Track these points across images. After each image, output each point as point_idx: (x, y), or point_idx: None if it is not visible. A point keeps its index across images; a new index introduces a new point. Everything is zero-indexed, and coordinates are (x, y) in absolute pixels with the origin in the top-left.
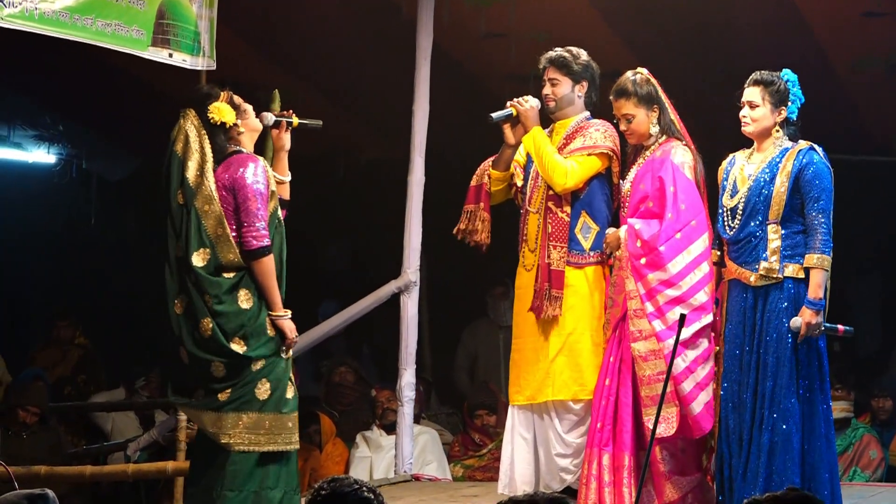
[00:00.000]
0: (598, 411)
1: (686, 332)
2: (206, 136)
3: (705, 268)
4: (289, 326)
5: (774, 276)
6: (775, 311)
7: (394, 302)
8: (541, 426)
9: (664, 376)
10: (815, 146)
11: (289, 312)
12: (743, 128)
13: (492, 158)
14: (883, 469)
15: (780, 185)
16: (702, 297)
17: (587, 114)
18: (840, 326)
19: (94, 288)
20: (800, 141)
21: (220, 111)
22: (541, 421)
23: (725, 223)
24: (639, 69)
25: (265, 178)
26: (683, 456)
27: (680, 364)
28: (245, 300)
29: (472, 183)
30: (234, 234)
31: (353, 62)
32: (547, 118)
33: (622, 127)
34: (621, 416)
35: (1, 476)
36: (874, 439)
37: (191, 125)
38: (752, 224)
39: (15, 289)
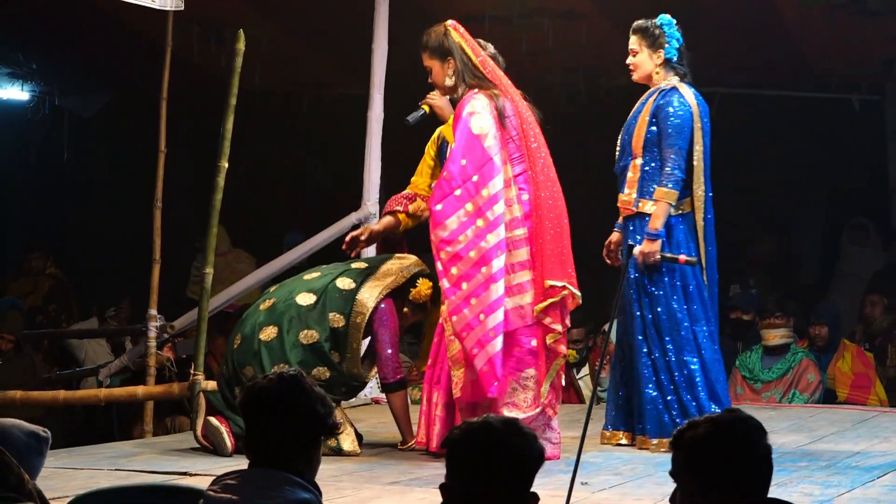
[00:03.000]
0: (435, 350)
1: (467, 286)
2: None
3: (490, 217)
4: None
5: (630, 208)
6: (636, 242)
7: None
8: None
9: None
10: (681, 85)
11: None
12: (631, 75)
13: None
14: (821, 392)
15: (641, 122)
16: (484, 247)
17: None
18: (682, 256)
19: (65, 221)
20: (672, 79)
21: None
22: None
23: (616, 160)
24: (447, 21)
25: None
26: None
27: (461, 321)
28: None
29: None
30: None
31: (319, 1)
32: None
33: (429, 79)
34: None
35: None
36: (812, 364)
37: None
38: (624, 160)
39: None
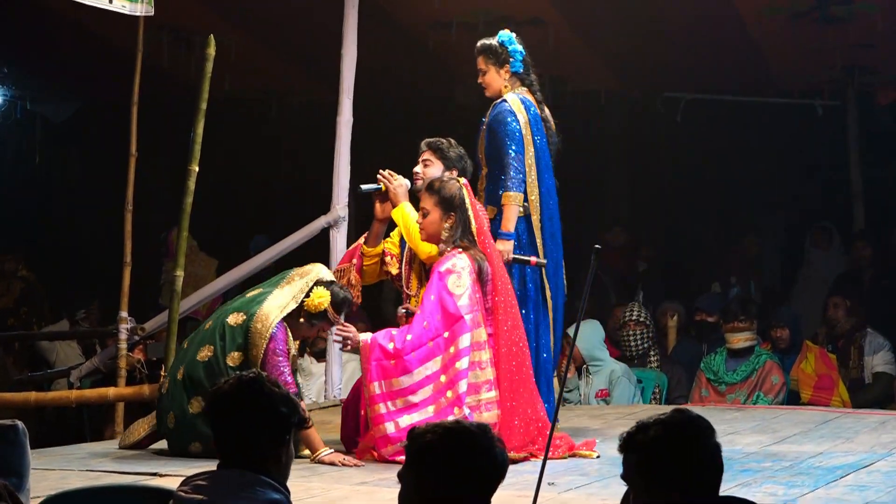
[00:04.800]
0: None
1: None
2: None
3: (452, 374)
4: None
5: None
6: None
7: (323, 237)
8: None
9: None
10: (511, 95)
11: None
12: (486, 93)
13: (364, 236)
14: (784, 393)
15: (482, 137)
16: (442, 403)
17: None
18: (532, 258)
19: (37, 224)
20: (518, 90)
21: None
22: None
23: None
24: (397, 179)
25: None
26: None
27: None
28: None
29: (347, 249)
30: None
31: (286, 8)
32: (415, 198)
33: (418, 218)
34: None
35: None
36: (776, 365)
37: None
38: (478, 173)
39: None
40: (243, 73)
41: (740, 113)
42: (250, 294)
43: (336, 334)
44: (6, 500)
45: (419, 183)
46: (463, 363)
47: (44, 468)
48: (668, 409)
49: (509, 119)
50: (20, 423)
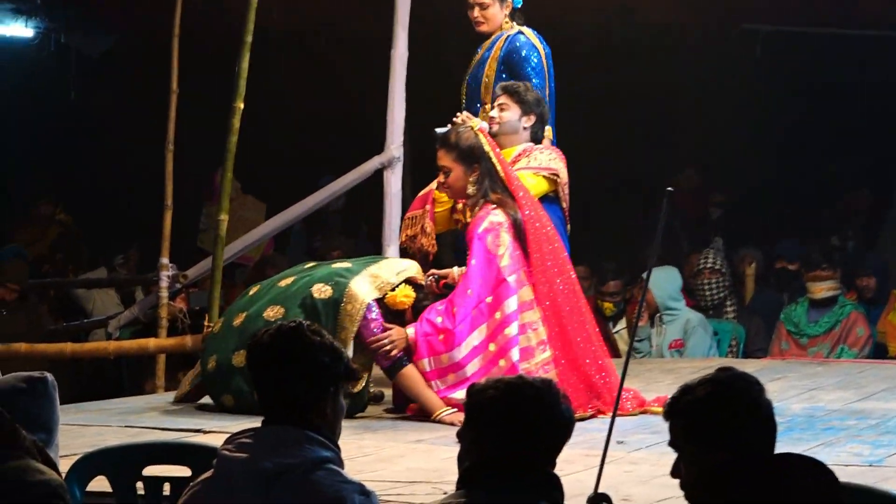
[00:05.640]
0: None
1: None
2: None
3: (502, 341)
4: None
5: None
6: None
7: (377, 179)
8: None
9: None
10: (525, 29)
11: None
12: (478, 27)
13: (436, 181)
14: (870, 346)
15: (489, 69)
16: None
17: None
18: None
19: (73, 165)
20: (514, 25)
21: None
22: None
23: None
24: (473, 122)
25: None
26: None
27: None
28: None
29: (419, 194)
30: None
31: None
32: None
33: (439, 178)
34: None
35: None
36: (862, 316)
37: None
38: (473, 109)
39: None
40: (292, 3)
41: (825, 47)
42: (336, 265)
43: (376, 345)
44: (35, 457)
45: (496, 128)
46: (512, 329)
47: (80, 424)
48: (745, 362)
49: (532, 54)
50: (49, 375)
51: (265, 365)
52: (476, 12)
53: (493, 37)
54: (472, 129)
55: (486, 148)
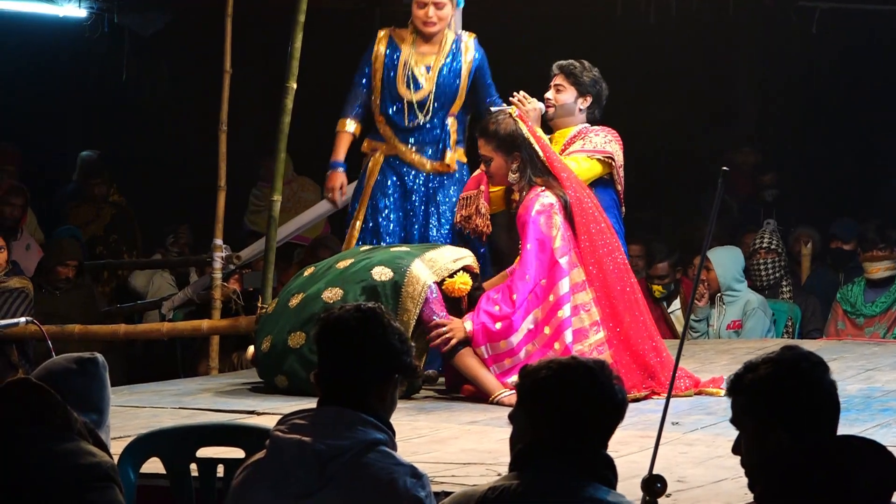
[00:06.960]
0: None
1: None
2: None
3: (555, 323)
4: None
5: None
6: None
7: None
8: None
9: None
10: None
11: None
12: (427, 28)
13: None
14: None
15: (465, 78)
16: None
17: (588, 124)
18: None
19: (126, 145)
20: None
21: None
22: None
23: (405, 115)
24: (506, 108)
25: None
26: None
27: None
28: None
29: (472, 175)
30: None
31: None
32: (547, 125)
33: (481, 167)
34: None
35: (35, 335)
36: None
37: None
38: (438, 116)
39: (47, 145)
40: None
41: (882, 24)
42: (395, 249)
43: (435, 333)
44: (87, 439)
45: (551, 111)
46: (565, 311)
47: (134, 405)
48: (801, 343)
49: (482, 58)
50: (99, 356)
51: (337, 341)
52: (430, 11)
53: (432, 39)
54: (511, 115)
55: (526, 134)
